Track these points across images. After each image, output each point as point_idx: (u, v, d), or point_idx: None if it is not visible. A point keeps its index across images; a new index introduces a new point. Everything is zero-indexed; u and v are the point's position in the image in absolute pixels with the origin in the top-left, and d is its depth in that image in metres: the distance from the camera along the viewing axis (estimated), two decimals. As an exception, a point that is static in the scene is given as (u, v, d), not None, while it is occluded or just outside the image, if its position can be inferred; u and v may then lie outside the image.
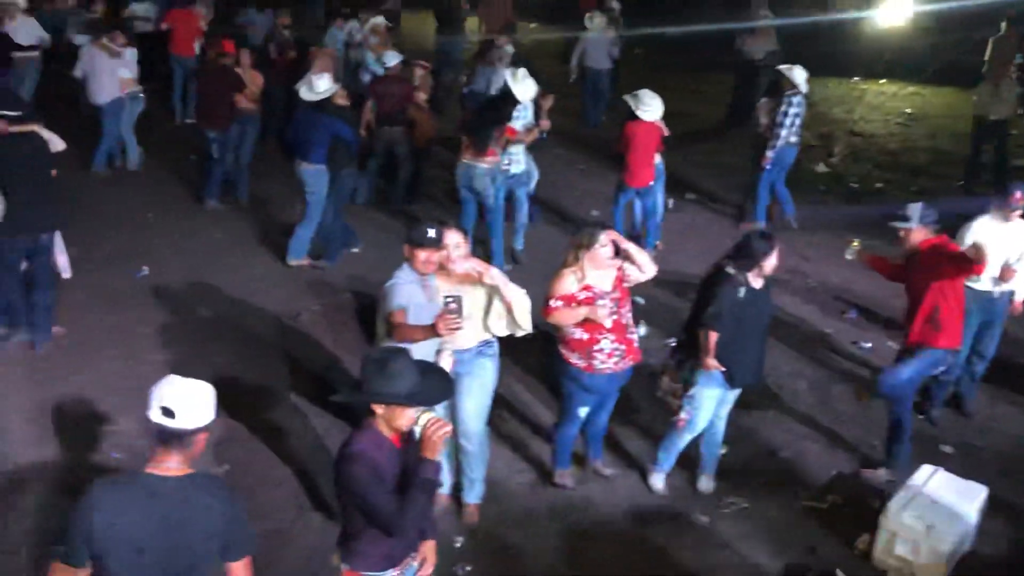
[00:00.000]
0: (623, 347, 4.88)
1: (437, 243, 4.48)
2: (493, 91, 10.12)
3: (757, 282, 4.89)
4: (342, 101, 7.84)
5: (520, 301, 4.68)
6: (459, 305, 4.23)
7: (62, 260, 7.08)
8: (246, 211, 9.18)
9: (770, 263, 4.86)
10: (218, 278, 7.64)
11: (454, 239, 4.67)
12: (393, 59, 9.18)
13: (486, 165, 7.61)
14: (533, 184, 8.62)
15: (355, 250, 8.25)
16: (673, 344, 5.37)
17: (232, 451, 5.40)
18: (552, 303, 4.79)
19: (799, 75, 8.73)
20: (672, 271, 8.23)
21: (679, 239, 9.00)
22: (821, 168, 11.28)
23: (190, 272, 7.71)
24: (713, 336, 4.79)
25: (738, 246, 4.93)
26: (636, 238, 8.43)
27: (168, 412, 2.81)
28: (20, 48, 10.16)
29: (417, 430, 3.22)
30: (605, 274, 4.85)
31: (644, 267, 4.95)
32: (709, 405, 5.03)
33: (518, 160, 8.01)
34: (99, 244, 8.04)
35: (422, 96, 9.18)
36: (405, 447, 3.28)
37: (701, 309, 4.88)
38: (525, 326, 4.74)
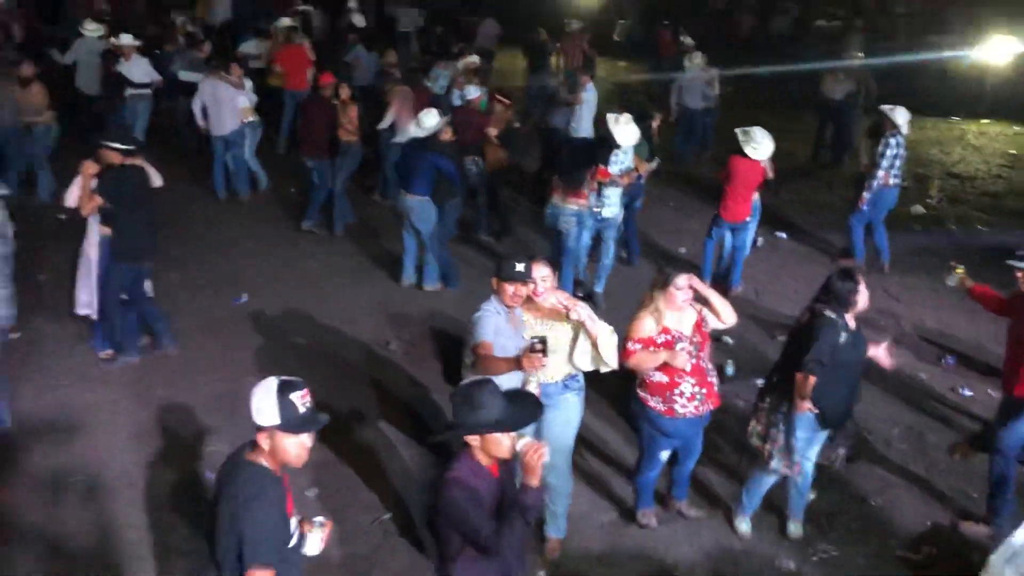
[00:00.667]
0: (703, 391, 4.82)
1: (525, 277, 4.53)
2: (579, 128, 10.27)
3: (852, 323, 4.80)
4: (447, 137, 8.06)
5: (606, 337, 4.69)
6: (544, 345, 4.26)
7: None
8: (339, 241, 9.45)
9: (860, 301, 4.78)
10: (312, 306, 7.87)
11: (542, 272, 4.73)
12: (473, 92, 9.42)
13: (574, 207, 7.60)
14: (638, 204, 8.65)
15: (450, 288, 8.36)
16: (761, 385, 5.29)
17: (321, 475, 5.54)
18: (630, 346, 4.76)
19: (901, 116, 8.58)
20: (762, 310, 8.15)
21: (769, 278, 8.89)
22: (918, 210, 10.98)
23: (286, 300, 7.97)
24: (812, 381, 4.68)
25: (825, 287, 4.85)
26: (724, 276, 8.40)
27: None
28: (133, 86, 10.73)
29: (517, 455, 3.27)
30: (685, 316, 4.81)
31: (723, 316, 4.90)
32: (803, 448, 4.93)
33: (612, 204, 7.90)
34: (201, 270, 8.38)
35: (492, 130, 9.32)
36: (502, 476, 3.33)
37: (798, 352, 4.76)
38: (611, 363, 4.75)
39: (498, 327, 4.53)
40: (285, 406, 3.02)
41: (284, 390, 3.03)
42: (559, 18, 20.00)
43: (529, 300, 4.69)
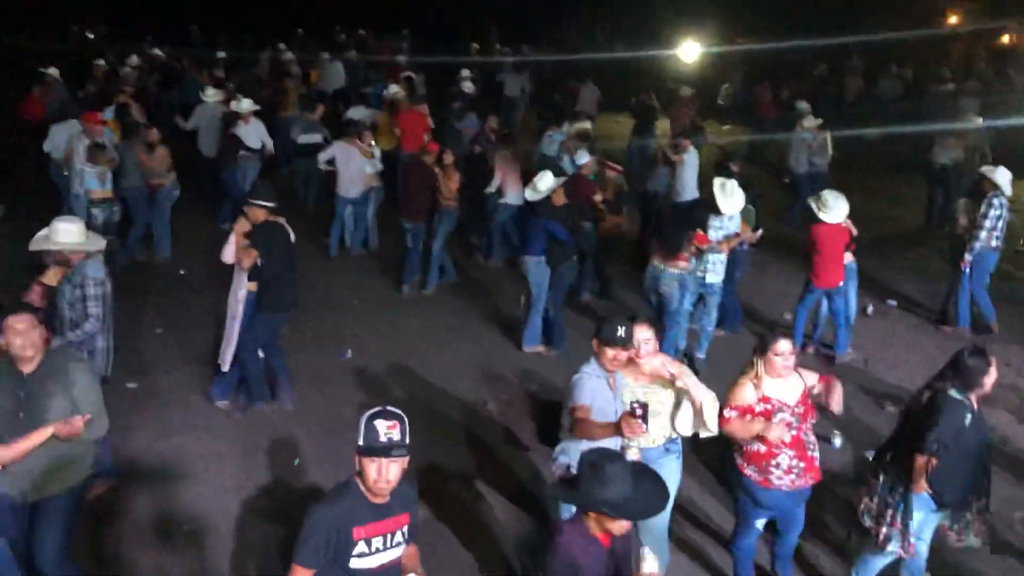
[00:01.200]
0: (802, 464, 4.64)
1: (626, 342, 4.50)
2: (683, 192, 10.23)
3: (976, 404, 4.57)
4: (560, 201, 8.16)
5: (710, 404, 4.62)
6: (645, 411, 4.20)
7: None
8: (440, 301, 9.61)
9: (988, 383, 4.56)
10: (414, 364, 8.01)
11: (644, 334, 4.71)
12: (584, 157, 9.51)
13: (675, 270, 7.56)
14: (738, 274, 8.59)
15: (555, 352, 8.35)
16: (871, 458, 5.09)
17: (419, 531, 5.55)
18: (727, 413, 4.64)
19: (1002, 176, 8.37)
20: (871, 379, 7.87)
21: (878, 346, 8.61)
22: (1038, 277, 10.50)
23: (389, 357, 8.13)
24: (933, 462, 4.46)
25: (953, 364, 4.61)
26: (826, 345, 8.19)
27: None
28: (247, 149, 11.30)
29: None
30: (788, 385, 4.67)
31: (834, 406, 4.79)
32: (919, 529, 4.69)
33: (716, 270, 7.82)
34: (310, 325, 8.64)
35: (598, 196, 9.35)
36: (614, 546, 3.28)
37: (916, 431, 4.53)
38: (712, 428, 4.66)
39: (596, 390, 4.51)
40: (369, 430, 3.22)
41: (375, 416, 3.26)
42: (661, 83, 20.24)
43: (631, 362, 4.66)
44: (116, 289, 5.99)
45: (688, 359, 7.90)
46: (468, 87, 15.17)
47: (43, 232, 5.69)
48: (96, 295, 5.56)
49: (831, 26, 18.43)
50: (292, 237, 6.96)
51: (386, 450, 3.21)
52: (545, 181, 8.09)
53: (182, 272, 9.79)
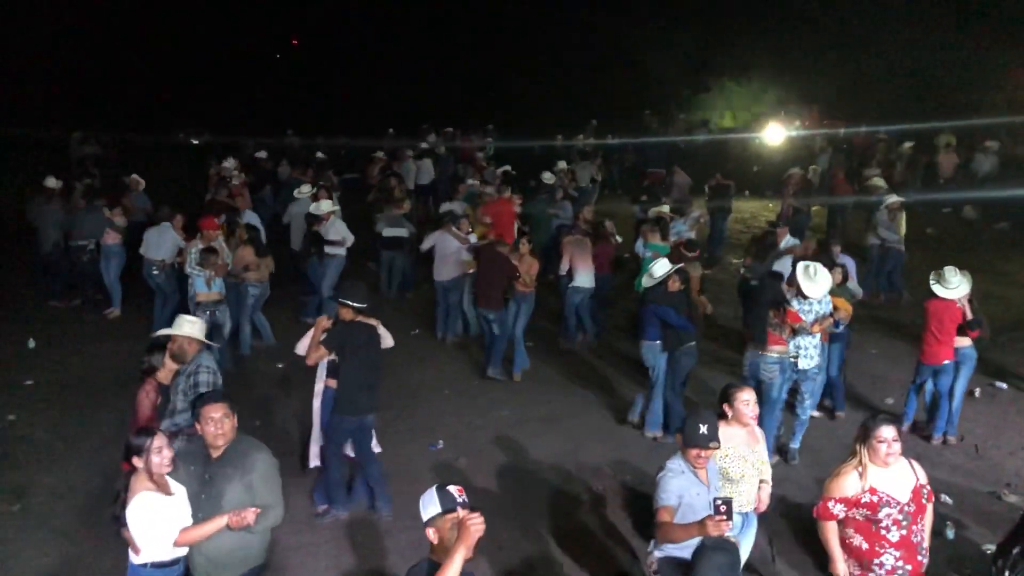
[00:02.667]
0: (908, 568, 4.36)
1: (709, 441, 4.44)
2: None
3: None
4: (675, 287, 8.14)
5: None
6: (728, 507, 4.09)
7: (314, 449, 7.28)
8: (527, 389, 9.57)
9: None
10: (503, 455, 7.96)
11: (744, 396, 5.06)
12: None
13: (773, 355, 7.31)
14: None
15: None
16: (992, 553, 4.78)
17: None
18: (830, 505, 4.44)
19: None
20: (984, 466, 7.47)
21: (989, 431, 8.21)
22: None
23: (479, 447, 8.10)
24: None
25: None
26: (926, 437, 7.89)
27: None
28: (328, 244, 11.62)
29: None
30: (899, 477, 4.42)
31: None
32: None
33: (809, 355, 7.47)
34: (402, 415, 8.70)
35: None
36: None
37: None
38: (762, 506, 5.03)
39: (683, 488, 4.42)
40: (444, 496, 3.52)
41: (442, 487, 3.57)
42: (745, 166, 20.28)
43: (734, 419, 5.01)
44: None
45: (781, 450, 7.67)
46: (548, 177, 15.42)
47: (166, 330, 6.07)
48: (208, 382, 5.76)
49: (922, 111, 18.27)
50: (389, 342, 6.92)
51: (462, 504, 3.50)
52: (660, 267, 8.17)
53: (280, 366, 10.03)
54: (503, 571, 6.07)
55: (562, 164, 16.84)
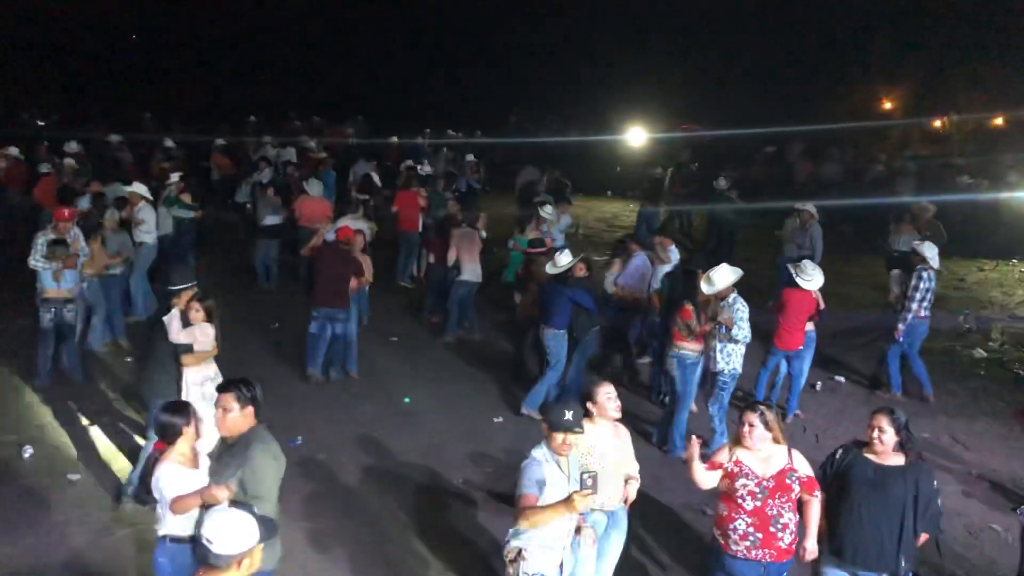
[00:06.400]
0: (759, 536, 4.63)
1: (574, 426, 4.50)
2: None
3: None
4: (581, 273, 8.61)
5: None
6: (594, 480, 4.25)
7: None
8: (393, 385, 9.46)
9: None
10: (364, 452, 7.85)
11: (607, 391, 5.15)
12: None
13: (676, 350, 7.78)
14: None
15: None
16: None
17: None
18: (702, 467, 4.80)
19: (929, 250, 8.88)
20: (825, 455, 7.88)
21: (828, 422, 8.75)
22: (979, 353, 10.73)
23: (340, 443, 7.95)
24: None
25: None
26: (779, 407, 8.40)
27: (208, 540, 3.25)
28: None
29: None
30: (766, 458, 4.71)
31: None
32: None
33: (724, 359, 7.58)
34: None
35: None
36: None
37: None
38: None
39: (545, 477, 4.43)
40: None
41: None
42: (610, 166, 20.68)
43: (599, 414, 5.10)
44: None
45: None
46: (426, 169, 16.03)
47: None
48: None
49: (773, 115, 19.13)
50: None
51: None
52: (564, 257, 8.46)
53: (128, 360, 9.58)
54: (363, 569, 6.00)
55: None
